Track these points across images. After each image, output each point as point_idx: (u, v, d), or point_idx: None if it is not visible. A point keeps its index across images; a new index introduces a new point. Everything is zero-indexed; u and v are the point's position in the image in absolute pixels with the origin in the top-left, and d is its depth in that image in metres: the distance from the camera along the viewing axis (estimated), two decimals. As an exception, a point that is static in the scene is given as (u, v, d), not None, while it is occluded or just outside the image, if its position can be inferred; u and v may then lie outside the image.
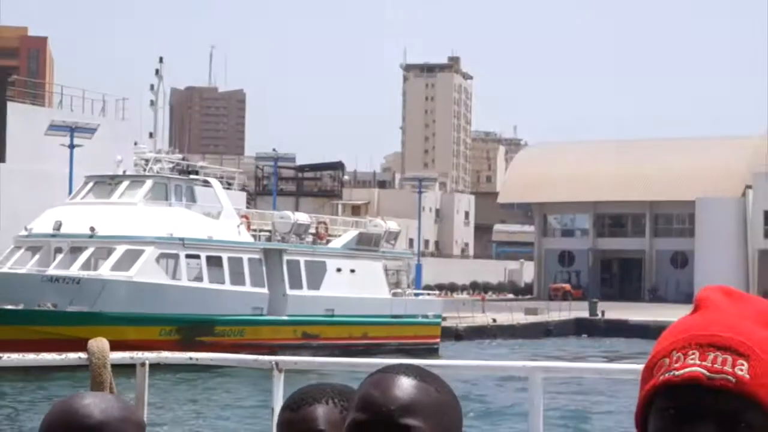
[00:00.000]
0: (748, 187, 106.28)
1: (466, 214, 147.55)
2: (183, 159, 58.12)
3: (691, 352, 1.85)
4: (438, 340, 60.57)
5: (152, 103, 55.44)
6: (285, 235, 57.13)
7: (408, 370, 2.16)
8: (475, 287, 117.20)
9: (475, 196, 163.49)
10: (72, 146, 57.33)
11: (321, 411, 2.51)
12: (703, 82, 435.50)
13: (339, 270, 58.36)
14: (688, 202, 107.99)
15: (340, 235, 61.70)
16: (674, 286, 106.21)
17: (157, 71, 55.64)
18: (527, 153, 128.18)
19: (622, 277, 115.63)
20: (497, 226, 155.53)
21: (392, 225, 64.92)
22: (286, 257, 55.70)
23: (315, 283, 56.65)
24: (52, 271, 48.37)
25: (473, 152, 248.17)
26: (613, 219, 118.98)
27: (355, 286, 58.45)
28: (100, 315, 46.55)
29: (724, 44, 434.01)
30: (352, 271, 59.05)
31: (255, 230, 57.10)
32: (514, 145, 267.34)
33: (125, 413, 2.70)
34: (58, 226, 49.82)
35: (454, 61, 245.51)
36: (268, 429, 6.01)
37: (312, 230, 59.78)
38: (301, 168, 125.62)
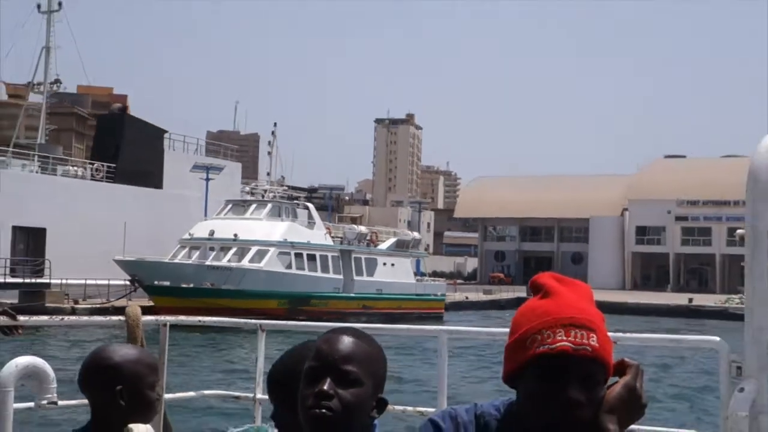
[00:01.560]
0: (625, 209, 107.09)
1: (428, 225, 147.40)
2: (286, 190, 59.39)
3: (557, 330, 1.92)
4: (443, 310, 61.27)
5: (269, 153, 58.02)
6: (352, 241, 58.31)
7: (348, 330, 2.21)
8: (435, 275, 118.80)
9: (433, 212, 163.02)
10: (207, 179, 58.78)
11: None
12: (594, 131, 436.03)
13: (385, 264, 59.26)
14: (584, 219, 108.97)
15: (384, 241, 62.83)
16: (573, 276, 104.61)
17: (272, 132, 57.92)
18: (474, 183, 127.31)
19: (537, 270, 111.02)
20: (447, 233, 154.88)
21: (416, 234, 67.08)
22: (353, 255, 56.95)
23: (371, 272, 57.76)
24: (209, 262, 49.21)
25: (421, 180, 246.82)
26: (533, 229, 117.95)
27: (394, 274, 59.51)
28: (243, 291, 47.73)
29: (609, 102, 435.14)
30: (393, 264, 59.91)
31: (333, 237, 57.93)
32: (447, 175, 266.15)
33: (138, 356, 2.79)
34: (212, 233, 51.04)
35: (410, 116, 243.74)
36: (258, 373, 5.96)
37: (368, 237, 60.71)
38: (314, 189, 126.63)
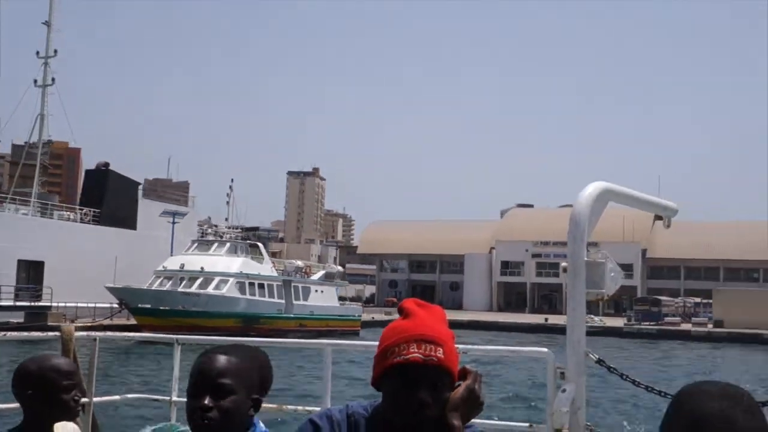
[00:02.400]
0: (492, 248, 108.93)
1: (334, 258, 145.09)
2: (240, 231, 59.68)
3: (411, 344, 1.91)
4: (360, 327, 60.93)
5: (227, 203, 59.38)
6: (291, 272, 58.78)
7: (221, 349, 2.13)
8: (340, 299, 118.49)
9: (338, 248, 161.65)
10: (173, 223, 59.62)
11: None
12: (466, 182, 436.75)
13: (316, 291, 59.82)
14: (460, 255, 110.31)
15: (316, 273, 63.32)
16: (451, 301, 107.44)
17: (230, 187, 58.93)
18: (372, 226, 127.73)
19: (423, 296, 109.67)
20: (348, 265, 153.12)
21: (340, 268, 68.68)
22: (293, 284, 57.37)
23: (306, 297, 58.26)
24: (181, 289, 49.63)
25: (324, 221, 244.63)
26: (419, 263, 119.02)
27: (323, 299, 60.11)
28: (208, 312, 48.49)
29: (477, 156, 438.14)
30: (322, 291, 60.57)
31: (277, 269, 58.05)
32: (344, 218, 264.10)
33: (54, 364, 2.61)
34: (182, 265, 51.39)
35: (316, 169, 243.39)
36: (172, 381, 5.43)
37: (303, 270, 61.41)
38: (254, 228, 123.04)
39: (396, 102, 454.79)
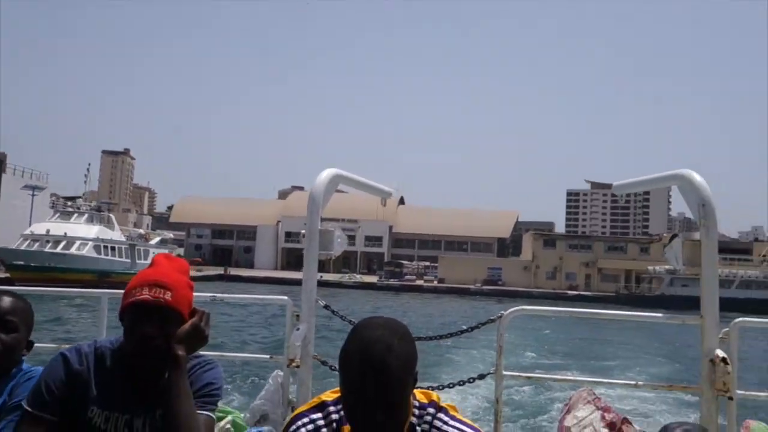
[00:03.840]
0: (279, 221, 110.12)
1: (148, 225, 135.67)
2: (96, 204, 58.37)
3: (145, 287, 1.84)
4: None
5: (85, 182, 57.98)
6: (135, 238, 59.42)
7: (7, 292, 2.05)
8: None
9: (151, 217, 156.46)
10: (33, 195, 58.03)
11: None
12: (246, 165, 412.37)
13: (153, 252, 55.31)
14: (254, 226, 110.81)
15: (153, 239, 64.28)
16: (245, 261, 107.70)
17: (87, 170, 57.71)
18: (183, 200, 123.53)
19: (222, 257, 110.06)
20: (159, 231, 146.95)
21: (171, 235, 69.98)
22: (136, 247, 57.95)
23: (146, 258, 56.66)
24: (48, 250, 49.12)
25: (133, 194, 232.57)
26: (221, 231, 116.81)
27: None
28: (71, 269, 48.56)
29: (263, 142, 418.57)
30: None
31: (125, 235, 58.39)
32: (149, 191, 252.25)
33: None
34: (47, 231, 50.60)
35: (127, 150, 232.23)
36: None
37: (144, 236, 62.35)
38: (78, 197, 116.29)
39: (205, 94, 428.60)
